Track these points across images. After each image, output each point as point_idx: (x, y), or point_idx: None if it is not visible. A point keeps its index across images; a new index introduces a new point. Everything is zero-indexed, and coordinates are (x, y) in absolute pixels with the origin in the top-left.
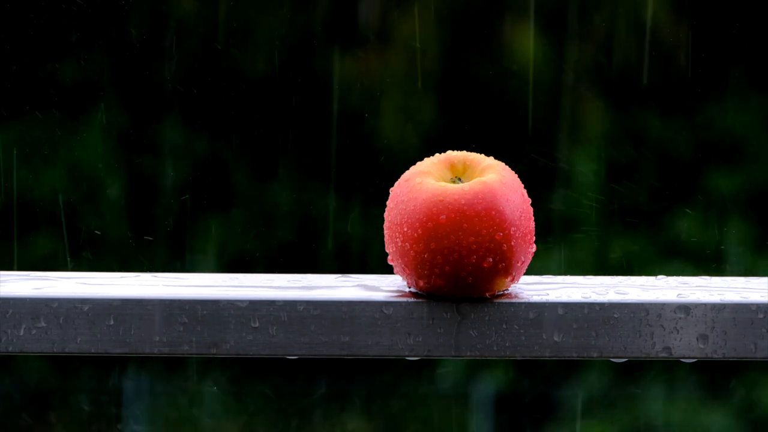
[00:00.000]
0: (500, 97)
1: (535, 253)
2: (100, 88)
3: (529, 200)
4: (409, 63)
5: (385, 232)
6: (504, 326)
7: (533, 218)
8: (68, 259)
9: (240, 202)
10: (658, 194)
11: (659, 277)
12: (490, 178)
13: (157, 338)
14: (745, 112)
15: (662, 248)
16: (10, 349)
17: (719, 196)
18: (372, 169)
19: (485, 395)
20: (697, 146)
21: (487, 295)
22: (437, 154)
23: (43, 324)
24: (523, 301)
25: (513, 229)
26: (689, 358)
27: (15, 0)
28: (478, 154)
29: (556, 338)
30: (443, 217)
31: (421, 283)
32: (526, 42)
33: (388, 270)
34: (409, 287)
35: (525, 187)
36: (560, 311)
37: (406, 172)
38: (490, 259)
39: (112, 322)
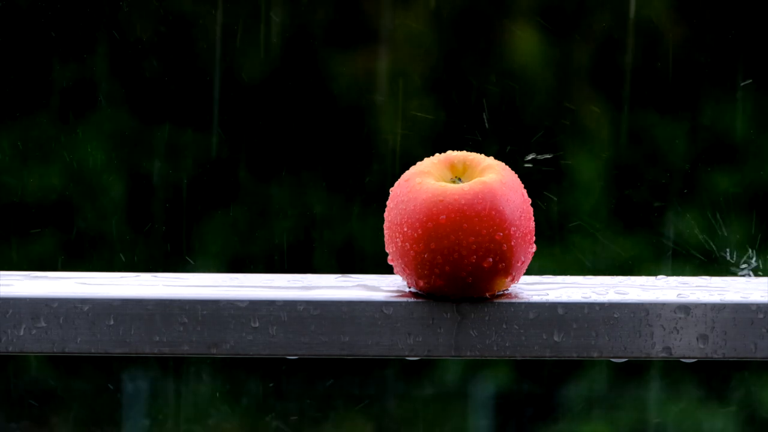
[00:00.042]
0: (500, 97)
1: (535, 253)
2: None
3: (529, 200)
4: (410, 63)
5: (385, 232)
6: (504, 326)
7: (533, 218)
8: (68, 259)
9: (240, 202)
10: (659, 194)
11: (659, 277)
12: (490, 178)
13: (157, 338)
14: (745, 112)
15: (662, 248)
16: (10, 349)
17: (719, 195)
18: (372, 169)
19: (485, 395)
20: (697, 146)
21: (487, 295)
22: (437, 154)
23: (43, 324)
24: (523, 301)
25: (513, 229)
26: (689, 358)
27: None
28: (478, 154)
29: (556, 338)
30: (443, 217)
31: (421, 283)
32: (526, 42)
33: (388, 270)
34: (409, 287)
35: (525, 187)
36: (560, 311)
37: (406, 172)
38: (490, 259)
39: (112, 322)
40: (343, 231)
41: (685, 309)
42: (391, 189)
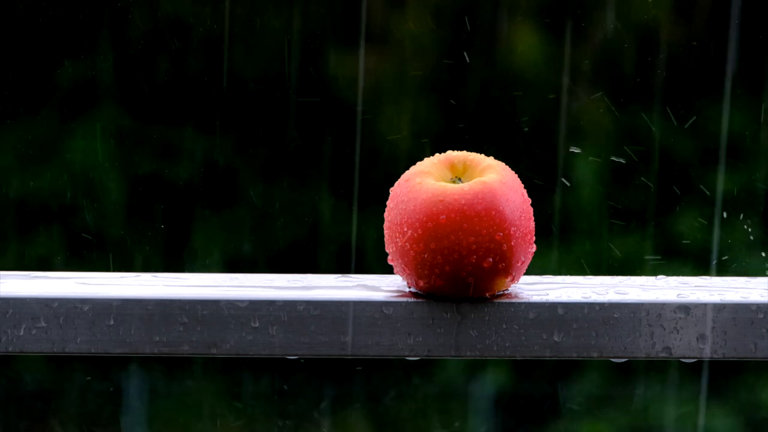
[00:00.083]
0: (500, 97)
1: (535, 253)
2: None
3: (529, 200)
4: (410, 63)
5: (385, 232)
6: (504, 326)
7: (533, 218)
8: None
9: (240, 202)
10: (659, 194)
11: (659, 277)
12: (490, 178)
13: (157, 338)
14: (745, 112)
15: (662, 248)
16: (10, 349)
17: (719, 196)
18: (372, 169)
19: (485, 395)
20: (697, 146)
21: (487, 295)
22: (437, 154)
23: (43, 324)
24: (523, 301)
25: (513, 229)
26: (689, 358)
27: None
28: (478, 154)
29: (556, 338)
30: (443, 217)
31: (421, 283)
32: (526, 41)
33: (388, 270)
34: (409, 287)
35: (525, 187)
36: (560, 311)
37: (406, 172)
38: (490, 259)
39: (112, 322)
40: (343, 231)
41: (685, 309)
42: (391, 189)
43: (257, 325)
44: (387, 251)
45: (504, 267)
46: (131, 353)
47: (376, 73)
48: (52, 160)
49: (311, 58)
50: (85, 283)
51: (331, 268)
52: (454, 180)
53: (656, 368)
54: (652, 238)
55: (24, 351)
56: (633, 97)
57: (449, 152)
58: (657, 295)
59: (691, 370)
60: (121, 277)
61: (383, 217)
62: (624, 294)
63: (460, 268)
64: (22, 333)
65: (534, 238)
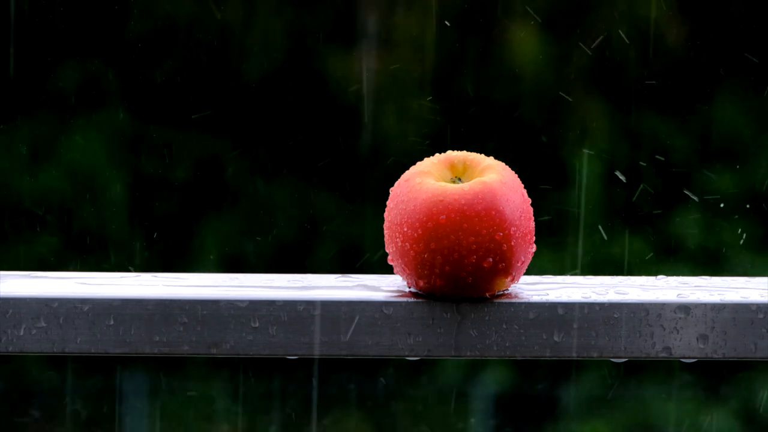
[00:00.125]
0: (500, 97)
1: (535, 253)
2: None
3: (529, 200)
4: (410, 63)
5: (385, 232)
6: (504, 326)
7: (533, 218)
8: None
9: (240, 202)
10: (659, 194)
11: (659, 277)
12: (490, 178)
13: (157, 338)
14: (745, 112)
15: (662, 248)
16: (10, 349)
17: (719, 196)
18: (372, 169)
19: (485, 395)
20: (696, 146)
21: (487, 295)
22: (437, 154)
23: (43, 324)
24: (523, 301)
25: (513, 229)
26: (689, 358)
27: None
28: (478, 154)
29: (556, 338)
30: (443, 217)
31: (421, 283)
32: (526, 41)
33: (388, 270)
34: (409, 287)
35: (525, 187)
36: (560, 311)
37: (406, 172)
38: (490, 259)
39: (112, 322)
40: (343, 231)
41: (685, 309)
42: (391, 189)
43: (257, 325)
44: (387, 251)
45: (504, 267)
46: (131, 353)
47: (377, 72)
48: (52, 160)
49: (312, 58)
50: (85, 283)
51: (331, 268)
52: (454, 180)
53: (656, 368)
54: (652, 238)
55: (24, 351)
56: (633, 96)
57: (449, 152)
58: (657, 295)
59: (691, 370)
60: (121, 277)
61: (383, 217)
62: (624, 294)
63: (460, 268)
64: (22, 333)
65: (534, 238)
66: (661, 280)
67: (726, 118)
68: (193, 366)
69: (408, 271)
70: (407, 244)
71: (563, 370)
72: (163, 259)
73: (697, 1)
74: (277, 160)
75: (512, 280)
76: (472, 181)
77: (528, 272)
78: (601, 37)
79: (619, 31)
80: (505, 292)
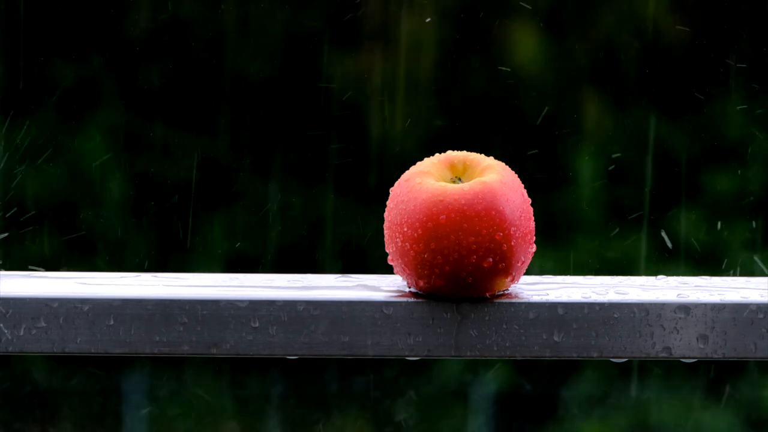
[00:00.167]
0: (500, 97)
1: (535, 253)
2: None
3: (529, 200)
4: (410, 63)
5: (385, 232)
6: (504, 326)
7: (533, 218)
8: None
9: (240, 202)
10: (658, 194)
11: (659, 277)
12: (490, 178)
13: (157, 338)
14: (745, 112)
15: (662, 248)
16: (10, 349)
17: (719, 196)
18: (372, 169)
19: (485, 395)
20: (697, 146)
21: (487, 295)
22: (437, 154)
23: (43, 324)
24: (523, 301)
25: (513, 229)
26: (689, 358)
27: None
28: (478, 154)
29: (556, 338)
30: (443, 217)
31: (421, 283)
32: (526, 41)
33: (388, 270)
34: (409, 287)
35: (525, 187)
36: (560, 311)
37: (406, 172)
38: (490, 259)
39: (112, 322)
40: (343, 231)
41: (685, 309)
42: (391, 189)
43: (257, 325)
44: (387, 251)
45: (504, 267)
46: (131, 353)
47: (377, 72)
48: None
49: (312, 58)
50: (85, 283)
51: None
52: (454, 180)
53: (656, 368)
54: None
55: (24, 351)
56: (633, 96)
57: (449, 152)
58: (657, 295)
59: (691, 370)
60: (121, 277)
61: (383, 217)
62: (624, 294)
63: (460, 268)
64: (22, 333)
65: (534, 238)
66: (661, 280)
67: (726, 117)
68: (193, 365)
69: (408, 271)
70: (407, 244)
71: (563, 370)
72: (163, 259)
73: (697, 0)
74: (278, 160)
75: (512, 280)
76: (472, 181)
77: (528, 272)
78: (601, 37)
79: (619, 30)
80: (505, 292)
